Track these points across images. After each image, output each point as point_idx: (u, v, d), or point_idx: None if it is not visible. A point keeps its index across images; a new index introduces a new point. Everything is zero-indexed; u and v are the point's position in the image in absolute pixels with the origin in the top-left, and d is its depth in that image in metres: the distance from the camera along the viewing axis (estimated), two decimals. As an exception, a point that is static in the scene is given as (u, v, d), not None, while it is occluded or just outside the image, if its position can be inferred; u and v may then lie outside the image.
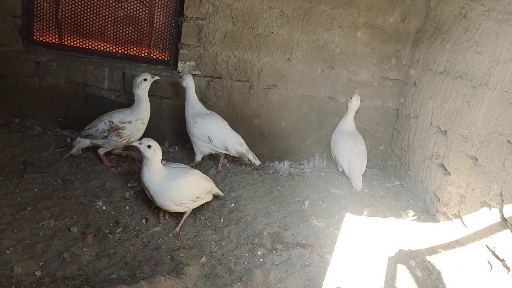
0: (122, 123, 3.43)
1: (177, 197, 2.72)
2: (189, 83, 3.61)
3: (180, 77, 3.64)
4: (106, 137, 3.42)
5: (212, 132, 3.56)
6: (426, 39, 3.79)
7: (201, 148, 3.63)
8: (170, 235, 2.76)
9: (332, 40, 3.97)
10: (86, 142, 3.50)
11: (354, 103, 3.81)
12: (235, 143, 3.61)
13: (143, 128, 3.53)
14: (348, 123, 3.87)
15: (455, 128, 3.16)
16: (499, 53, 2.79)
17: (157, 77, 3.49)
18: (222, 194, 3.19)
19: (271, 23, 3.90)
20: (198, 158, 3.67)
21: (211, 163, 3.85)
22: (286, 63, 4.01)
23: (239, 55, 3.97)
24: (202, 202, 2.94)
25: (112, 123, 3.42)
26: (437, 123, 3.44)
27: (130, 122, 3.44)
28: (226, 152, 3.63)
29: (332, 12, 3.89)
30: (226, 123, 3.71)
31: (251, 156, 3.65)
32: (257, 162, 3.68)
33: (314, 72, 4.04)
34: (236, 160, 3.88)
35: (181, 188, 2.73)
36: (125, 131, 3.43)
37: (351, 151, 3.74)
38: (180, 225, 2.82)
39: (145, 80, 3.41)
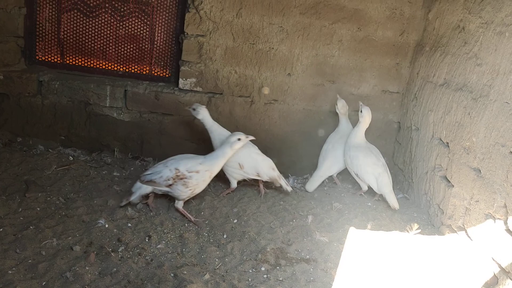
0: (189, 172, 3.10)
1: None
2: (205, 114, 3.52)
3: (194, 109, 3.52)
4: (170, 185, 3.09)
5: (242, 158, 3.44)
6: (425, 52, 3.81)
7: (233, 175, 3.53)
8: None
9: (332, 55, 3.99)
10: (148, 189, 3.15)
11: (366, 116, 3.65)
12: (266, 168, 3.52)
13: (209, 180, 3.24)
14: (359, 136, 3.71)
15: (457, 140, 3.15)
16: (498, 64, 2.80)
17: (251, 137, 3.27)
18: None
19: (271, 39, 3.93)
20: (233, 184, 3.57)
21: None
22: (286, 78, 4.03)
23: (240, 71, 4.00)
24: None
25: (179, 171, 3.08)
26: (438, 135, 3.44)
27: (198, 172, 3.11)
28: (259, 178, 3.54)
29: (331, 27, 3.92)
30: (256, 147, 3.61)
31: (283, 182, 3.57)
32: (289, 189, 3.59)
33: (315, 86, 4.06)
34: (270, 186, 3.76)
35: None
36: (191, 181, 3.10)
37: (376, 165, 3.59)
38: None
39: (239, 139, 3.18)
